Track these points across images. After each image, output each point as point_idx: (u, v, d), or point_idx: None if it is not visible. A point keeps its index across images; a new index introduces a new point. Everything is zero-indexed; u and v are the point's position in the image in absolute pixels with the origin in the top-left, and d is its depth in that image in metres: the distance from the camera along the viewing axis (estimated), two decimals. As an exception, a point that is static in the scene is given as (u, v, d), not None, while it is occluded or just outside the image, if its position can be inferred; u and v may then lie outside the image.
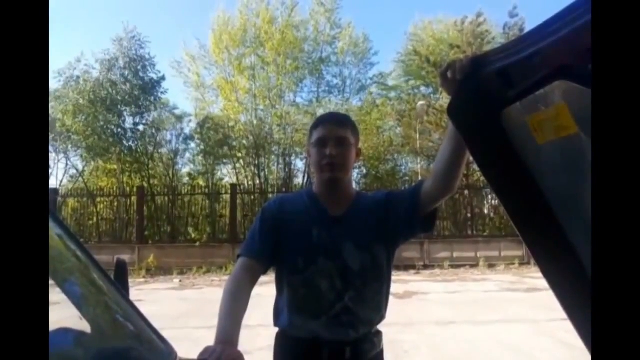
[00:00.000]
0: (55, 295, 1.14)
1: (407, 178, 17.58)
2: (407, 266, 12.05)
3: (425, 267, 12.52)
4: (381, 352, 1.60)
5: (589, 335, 1.01)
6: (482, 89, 0.98)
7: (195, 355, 1.17)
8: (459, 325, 6.03)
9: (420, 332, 5.68)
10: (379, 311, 1.57)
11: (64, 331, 1.12)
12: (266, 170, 17.57)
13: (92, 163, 17.70)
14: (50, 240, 1.13)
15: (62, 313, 1.16)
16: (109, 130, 15.69)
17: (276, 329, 1.62)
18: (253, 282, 1.47)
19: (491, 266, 12.38)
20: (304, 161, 16.51)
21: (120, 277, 1.33)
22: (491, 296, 8.43)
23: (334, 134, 1.53)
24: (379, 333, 1.60)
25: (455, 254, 12.89)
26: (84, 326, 1.16)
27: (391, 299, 1.63)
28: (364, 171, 17.97)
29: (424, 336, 5.49)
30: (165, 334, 1.46)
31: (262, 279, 1.55)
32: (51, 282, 1.15)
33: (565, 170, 0.98)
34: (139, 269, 12.24)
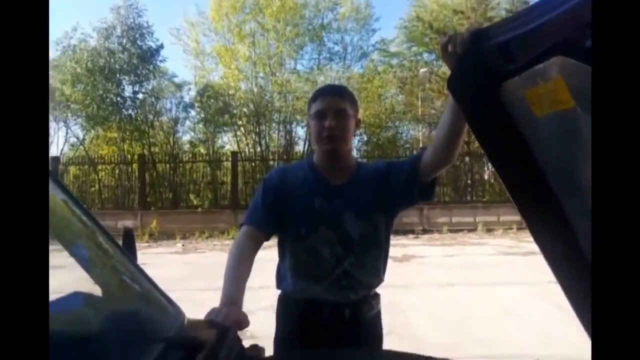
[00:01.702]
0: (65, 258, 1.19)
1: (408, 145, 17.51)
2: (407, 231, 12.19)
3: (425, 231, 12.68)
4: (378, 313, 1.67)
5: (576, 298, 1.07)
6: (482, 62, 0.99)
7: (201, 315, 1.23)
8: (456, 287, 6.18)
9: (418, 293, 5.83)
10: (378, 275, 1.63)
11: (76, 294, 1.17)
12: (267, 137, 17.51)
13: (92, 131, 17.64)
14: (55, 206, 1.17)
15: (73, 276, 1.21)
16: (108, 99, 15.56)
17: (278, 291, 1.69)
18: (256, 249, 1.53)
19: (489, 231, 12.53)
20: (305, 129, 16.44)
21: (128, 245, 1.37)
22: (489, 260, 8.58)
23: (333, 106, 1.55)
24: (376, 295, 1.67)
25: (454, 219, 13.03)
26: (95, 289, 1.21)
27: (390, 262, 1.69)
28: (365, 138, 17.90)
29: (422, 298, 5.64)
30: (169, 295, 1.52)
31: (263, 243, 1.60)
32: (59, 246, 1.20)
33: (561, 143, 1.01)
34: (142, 234, 12.40)
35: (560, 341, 3.77)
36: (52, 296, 1.09)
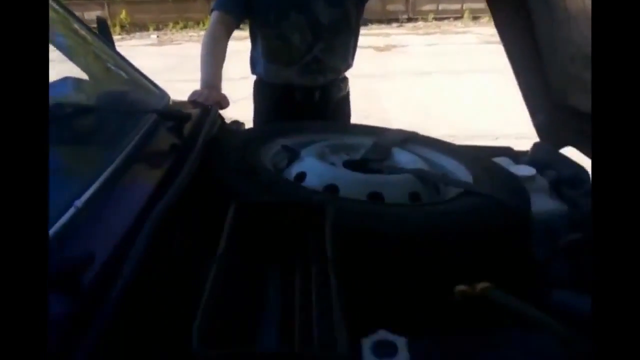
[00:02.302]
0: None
1: None
2: (391, 19, 11.76)
3: (409, 20, 12.24)
4: (347, 95, 1.83)
5: (526, 87, 1.23)
6: None
7: (183, 102, 1.36)
8: (434, 75, 6.36)
9: (395, 81, 6.03)
10: (346, 60, 1.74)
11: (66, 80, 1.25)
12: None
13: None
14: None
15: (59, 65, 1.28)
16: None
17: (254, 77, 1.82)
18: (228, 34, 1.58)
19: (475, 18, 12.14)
20: None
21: (103, 34, 1.40)
22: (469, 48, 8.57)
23: None
24: (345, 79, 1.81)
25: (440, 6, 12.44)
26: (81, 75, 1.29)
27: (371, 51, 1.80)
28: None
29: (398, 85, 5.87)
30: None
31: (240, 35, 1.65)
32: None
33: None
34: (112, 26, 11.77)
35: (519, 122, 4.12)
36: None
